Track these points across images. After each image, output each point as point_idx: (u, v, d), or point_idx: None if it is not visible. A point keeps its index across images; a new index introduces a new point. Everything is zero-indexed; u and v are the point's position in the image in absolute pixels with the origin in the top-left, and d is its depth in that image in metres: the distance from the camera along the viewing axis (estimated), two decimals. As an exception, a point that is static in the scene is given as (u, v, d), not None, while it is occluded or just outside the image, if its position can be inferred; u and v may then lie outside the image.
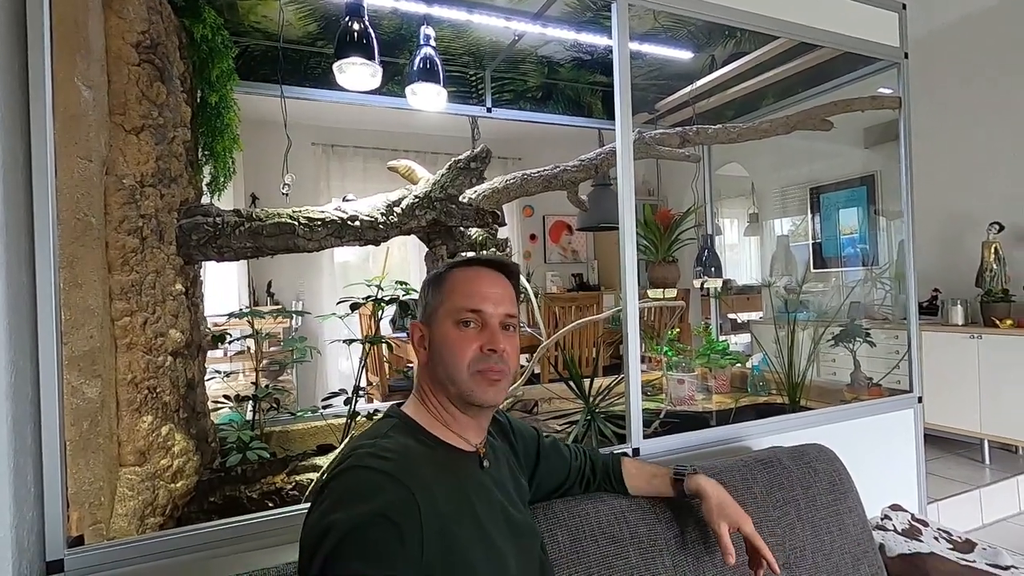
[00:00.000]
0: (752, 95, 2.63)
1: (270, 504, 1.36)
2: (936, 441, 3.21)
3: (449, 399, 0.83)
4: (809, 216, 4.30)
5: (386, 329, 4.05)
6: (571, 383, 1.89)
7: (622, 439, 1.59)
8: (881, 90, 2.19)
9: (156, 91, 1.29)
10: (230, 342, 1.91)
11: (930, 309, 3.39)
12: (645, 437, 1.55)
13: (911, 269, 2.09)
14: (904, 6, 2.05)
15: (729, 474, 1.31)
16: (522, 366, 2.74)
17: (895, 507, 1.63)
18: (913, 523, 1.56)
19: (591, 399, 1.84)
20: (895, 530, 1.52)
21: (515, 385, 1.94)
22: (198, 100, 1.61)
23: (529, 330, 2.66)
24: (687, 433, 1.61)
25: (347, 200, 1.66)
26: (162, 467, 1.24)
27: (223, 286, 3.86)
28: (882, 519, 1.58)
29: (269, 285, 4.58)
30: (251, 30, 1.99)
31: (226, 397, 1.70)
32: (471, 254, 1.85)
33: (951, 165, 3.46)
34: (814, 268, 4.24)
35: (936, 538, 1.51)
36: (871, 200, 3.87)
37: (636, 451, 1.51)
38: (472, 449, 0.85)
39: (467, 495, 0.78)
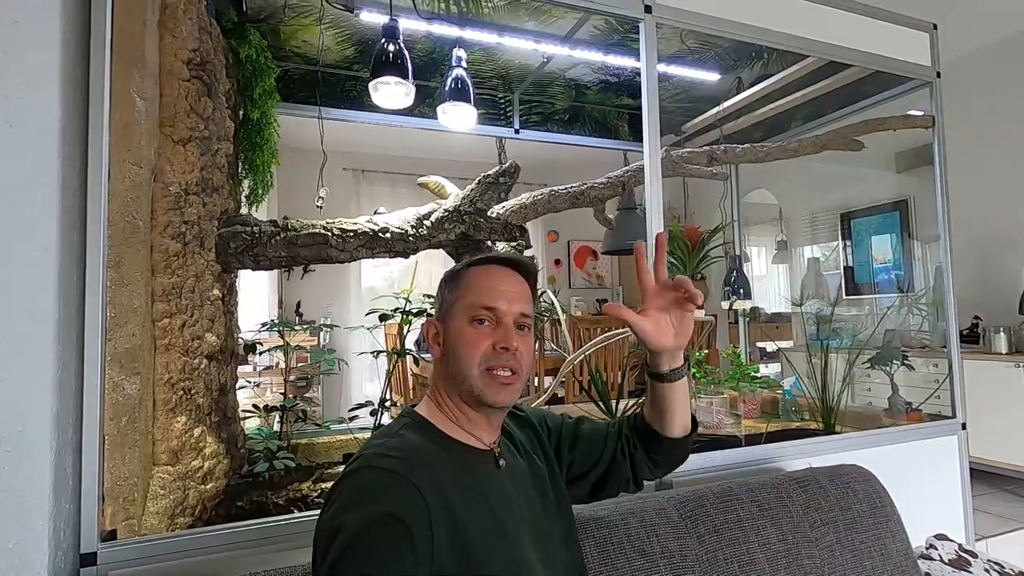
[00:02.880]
0: (781, 116, 2.63)
1: (295, 510, 1.36)
2: (982, 476, 3.05)
3: (461, 397, 0.81)
4: (840, 242, 4.22)
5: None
6: (597, 401, 1.86)
7: (650, 456, 1.55)
8: (912, 112, 2.17)
9: (203, 105, 1.36)
10: (261, 353, 1.95)
11: (971, 337, 3.27)
12: (674, 454, 1.51)
13: (950, 291, 2.03)
14: (935, 26, 2.04)
15: (763, 492, 1.26)
16: (545, 389, 2.71)
17: (940, 536, 1.55)
18: (961, 554, 1.48)
19: (617, 416, 1.82)
20: (941, 560, 1.44)
21: (538, 401, 1.92)
22: (241, 116, 1.68)
23: (556, 348, 2.64)
24: (717, 452, 1.57)
25: (378, 213, 1.70)
26: (193, 468, 1.26)
27: (255, 306, 3.95)
28: (927, 548, 1.50)
29: (298, 305, 4.67)
30: (292, 54, 2.09)
31: (255, 407, 1.73)
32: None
33: (990, 189, 3.38)
34: (846, 295, 4.14)
35: (987, 570, 1.43)
36: (904, 225, 3.79)
37: (665, 468, 1.48)
38: (487, 447, 0.83)
39: (482, 492, 0.76)
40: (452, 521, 0.69)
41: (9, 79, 0.88)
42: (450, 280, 0.86)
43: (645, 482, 1.04)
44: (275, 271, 4.19)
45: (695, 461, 1.53)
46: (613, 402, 1.87)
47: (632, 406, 1.86)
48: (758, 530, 1.18)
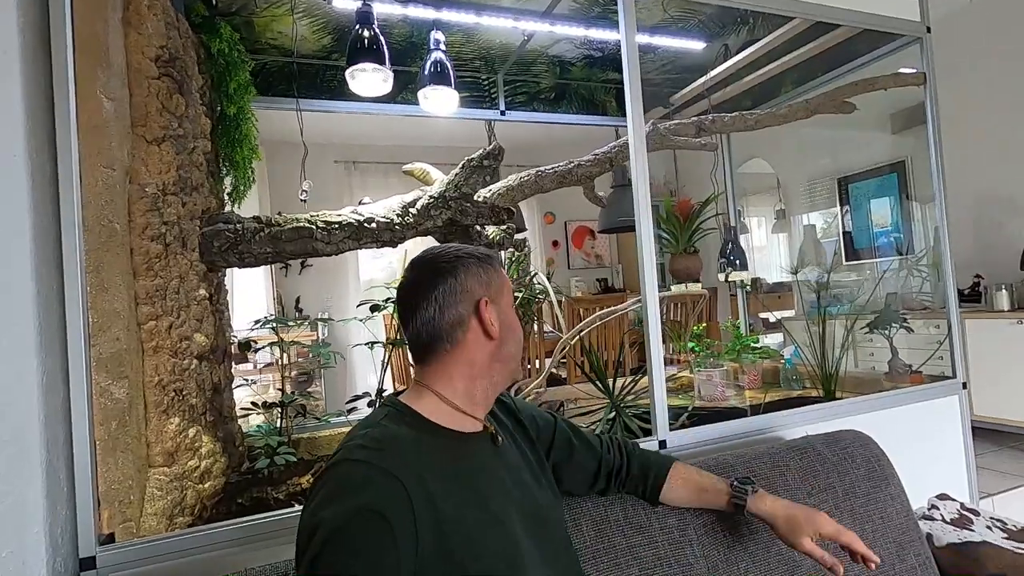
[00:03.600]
0: (770, 82, 2.58)
1: (295, 504, 1.37)
2: (986, 434, 3.05)
3: (502, 377, 0.85)
4: (839, 207, 4.18)
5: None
6: (595, 379, 1.86)
7: (648, 433, 1.55)
8: (903, 70, 2.13)
9: (175, 103, 1.34)
10: (258, 350, 1.95)
11: (972, 296, 3.24)
12: (672, 429, 1.51)
13: (947, 250, 2.01)
14: (924, -21, 1.99)
15: (759, 461, 1.26)
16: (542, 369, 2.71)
17: (942, 496, 1.55)
18: (963, 512, 1.48)
19: (616, 394, 1.81)
20: (943, 519, 1.44)
21: (536, 382, 1.92)
22: (217, 112, 1.66)
23: (552, 331, 2.64)
24: (715, 424, 1.56)
25: (363, 203, 1.69)
26: (190, 468, 1.26)
27: (252, 304, 3.95)
28: (929, 509, 1.50)
29: (297, 301, 4.67)
30: (267, 47, 2.06)
31: (253, 404, 1.73)
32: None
33: (988, 146, 3.32)
34: (847, 260, 4.11)
35: (989, 527, 1.43)
36: (903, 187, 3.75)
37: (662, 443, 1.48)
38: (479, 430, 0.82)
39: (470, 479, 0.75)
40: (436, 512, 0.68)
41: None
42: (489, 264, 0.85)
43: None
44: (271, 267, 4.19)
45: (694, 434, 1.53)
46: (610, 380, 1.86)
47: (631, 383, 1.85)
48: (756, 500, 1.18)
